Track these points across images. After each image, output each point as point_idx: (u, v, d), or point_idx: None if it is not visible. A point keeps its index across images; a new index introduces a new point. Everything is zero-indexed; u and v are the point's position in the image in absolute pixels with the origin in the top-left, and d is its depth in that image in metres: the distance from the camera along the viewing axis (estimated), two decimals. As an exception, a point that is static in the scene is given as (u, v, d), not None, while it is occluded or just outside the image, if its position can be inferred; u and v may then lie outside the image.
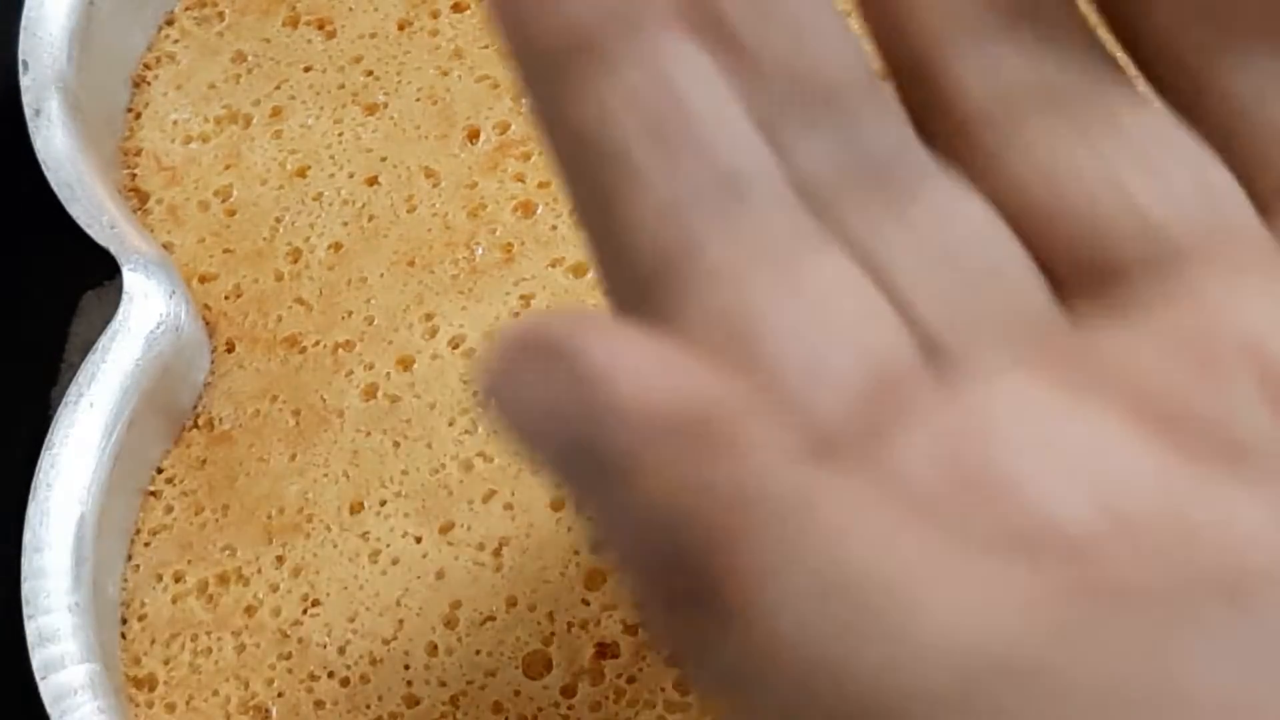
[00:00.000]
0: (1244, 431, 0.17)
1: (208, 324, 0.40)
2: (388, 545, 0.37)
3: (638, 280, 0.17)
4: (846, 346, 0.17)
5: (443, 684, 0.35)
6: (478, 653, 0.35)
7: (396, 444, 0.38)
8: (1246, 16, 0.19)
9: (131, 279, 0.38)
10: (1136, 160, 0.18)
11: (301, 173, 0.42)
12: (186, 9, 0.45)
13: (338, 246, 0.41)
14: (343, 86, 0.43)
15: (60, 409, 0.37)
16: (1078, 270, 0.18)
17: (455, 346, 0.39)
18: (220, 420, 0.39)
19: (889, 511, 0.15)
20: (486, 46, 0.43)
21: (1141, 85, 0.19)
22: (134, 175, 0.43)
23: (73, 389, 0.37)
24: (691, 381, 0.15)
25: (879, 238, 0.18)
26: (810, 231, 0.18)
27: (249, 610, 0.37)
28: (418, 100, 0.43)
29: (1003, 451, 0.16)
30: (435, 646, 0.36)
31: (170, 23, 0.45)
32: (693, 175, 0.17)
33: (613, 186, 0.17)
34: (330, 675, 0.36)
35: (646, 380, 0.15)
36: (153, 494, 0.38)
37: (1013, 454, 0.16)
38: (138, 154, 0.43)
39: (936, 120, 0.19)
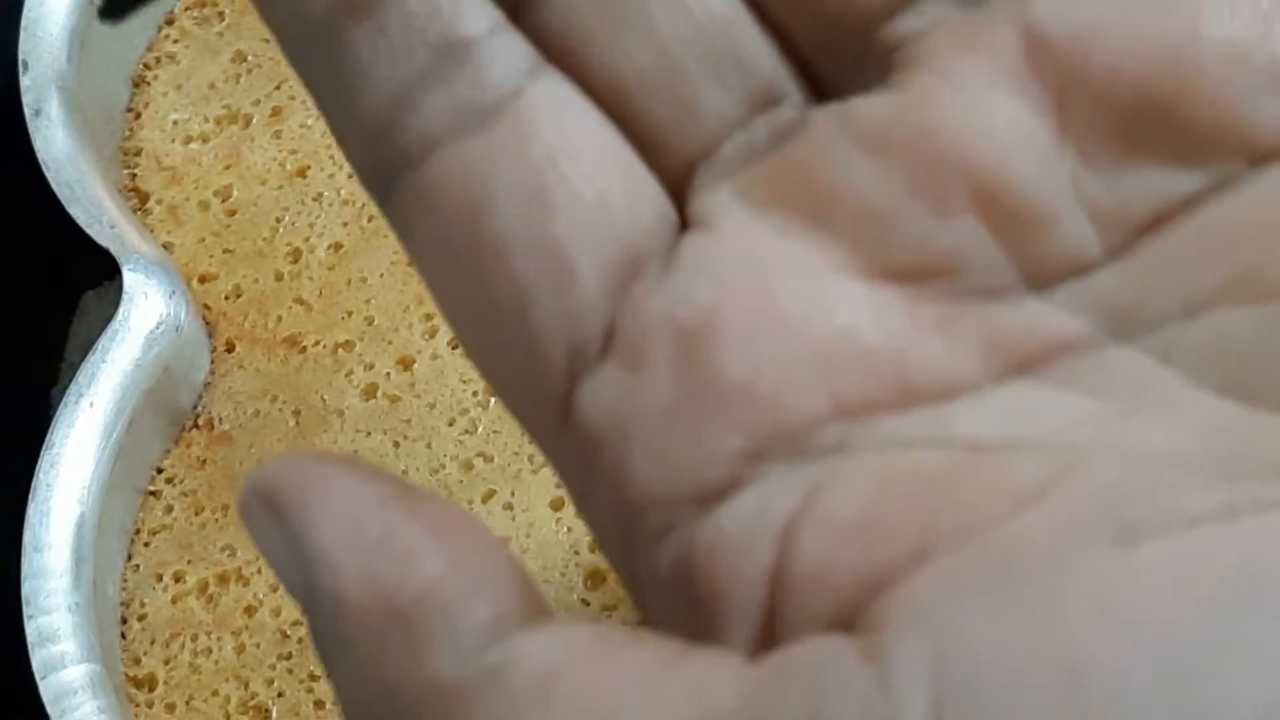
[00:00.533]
0: (956, 249, 0.17)
1: (208, 324, 0.40)
2: (388, 545, 0.37)
3: (379, 171, 0.18)
4: (585, 238, 0.17)
5: (443, 684, 0.35)
6: (478, 653, 0.35)
7: (396, 444, 0.38)
8: None
9: (131, 279, 0.38)
10: None
11: (301, 173, 0.42)
12: (186, 9, 0.45)
13: (338, 246, 0.41)
14: (343, 86, 0.43)
15: (60, 409, 0.37)
16: (808, 42, 0.18)
17: (455, 347, 0.38)
18: (220, 420, 0.39)
19: (586, 646, 0.16)
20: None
21: None
22: (134, 175, 0.43)
23: (72, 389, 0.37)
24: (401, 564, 0.16)
25: (607, 40, 0.18)
26: (524, 65, 0.18)
27: (249, 610, 0.37)
28: (418, 100, 0.43)
29: (731, 348, 0.17)
30: (435, 646, 0.36)
31: (170, 22, 0.45)
32: (410, 52, 0.18)
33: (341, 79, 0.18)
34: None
35: (358, 562, 0.16)
36: (153, 494, 0.38)
37: (740, 347, 0.17)
38: (138, 154, 0.43)
39: None
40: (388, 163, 0.18)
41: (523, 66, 0.18)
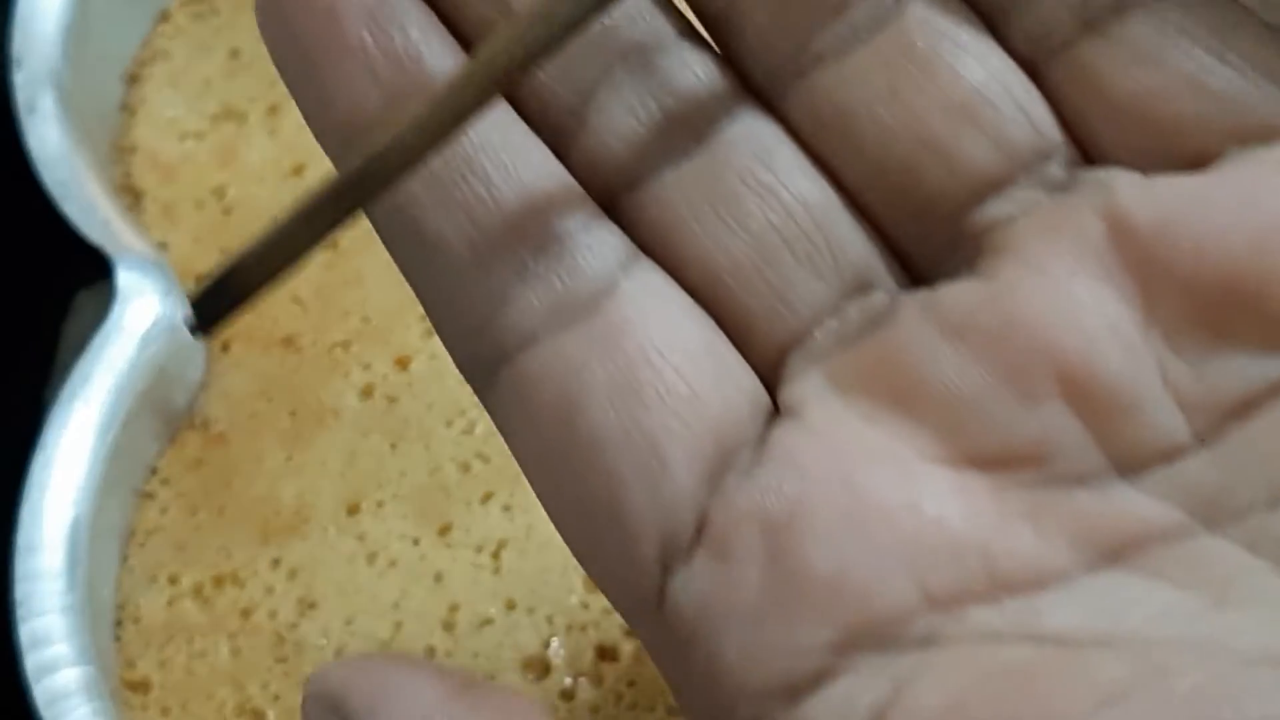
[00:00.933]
0: (1044, 437, 0.17)
1: (203, 323, 0.40)
2: (385, 547, 0.37)
3: (478, 364, 0.19)
4: (678, 431, 0.18)
5: (441, 687, 0.35)
6: (476, 655, 0.35)
7: (394, 445, 0.38)
8: None
9: (126, 278, 0.38)
10: (947, 108, 0.18)
11: (298, 171, 0.42)
12: (181, 4, 0.45)
13: (334, 245, 0.41)
14: (339, 83, 0.43)
15: (53, 409, 0.37)
16: (900, 227, 0.19)
17: (453, 346, 0.38)
18: (216, 421, 0.39)
19: None
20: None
21: None
22: (128, 173, 0.43)
23: (66, 389, 0.37)
24: None
25: (700, 230, 0.18)
26: (618, 257, 0.18)
27: (245, 613, 0.36)
28: (415, 97, 0.42)
29: (819, 541, 0.17)
30: (433, 649, 0.35)
31: (165, 18, 0.45)
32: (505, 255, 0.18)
33: (438, 280, 0.19)
34: (327, 678, 0.36)
35: None
36: (147, 495, 0.38)
37: (828, 541, 0.17)
38: (132, 151, 0.43)
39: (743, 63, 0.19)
40: (486, 357, 0.18)
41: (617, 259, 0.18)
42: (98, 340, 0.38)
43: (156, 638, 0.37)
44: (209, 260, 0.41)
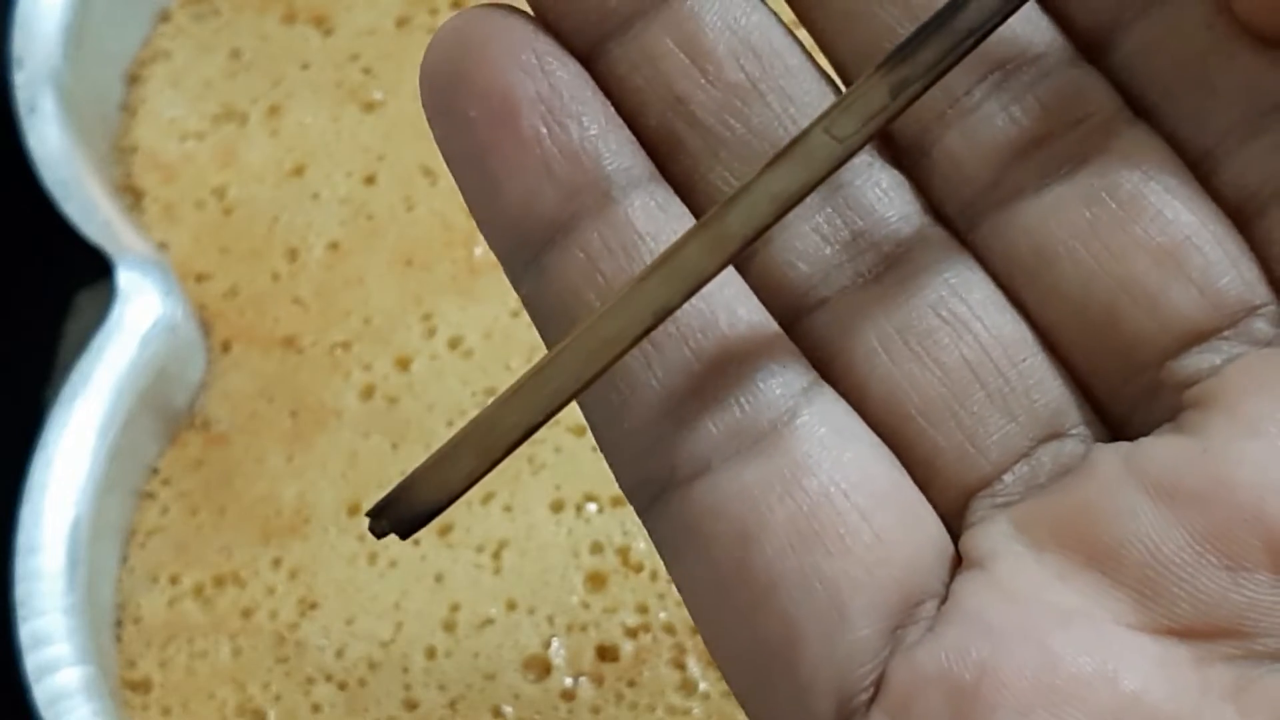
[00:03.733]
0: (1250, 609, 0.16)
1: (204, 324, 0.40)
2: (386, 547, 0.37)
3: (644, 485, 0.18)
4: (861, 579, 0.17)
5: (441, 687, 0.35)
6: (477, 655, 0.35)
7: (395, 445, 0.38)
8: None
9: (126, 278, 0.38)
10: (1153, 252, 0.17)
11: (298, 171, 0.42)
12: (182, 4, 0.45)
13: (335, 246, 0.41)
14: (340, 84, 0.43)
15: (54, 409, 0.37)
16: (1095, 372, 0.18)
17: (454, 347, 0.38)
18: (216, 421, 0.39)
19: None
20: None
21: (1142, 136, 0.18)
22: (128, 173, 0.43)
23: (66, 389, 0.37)
24: None
25: (889, 362, 0.18)
26: (801, 384, 0.17)
27: (246, 613, 0.36)
28: (416, 98, 0.42)
29: (1007, 715, 0.16)
30: (434, 649, 0.35)
31: (166, 19, 0.45)
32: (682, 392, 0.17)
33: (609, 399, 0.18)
34: (328, 678, 0.35)
35: None
36: (148, 495, 0.38)
37: (1017, 715, 0.16)
38: (133, 151, 0.43)
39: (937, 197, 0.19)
40: (654, 479, 0.18)
41: (798, 386, 0.18)
42: (98, 340, 0.37)
43: (157, 638, 0.36)
44: (209, 260, 0.41)
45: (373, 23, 0.44)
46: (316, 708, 0.35)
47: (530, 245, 0.18)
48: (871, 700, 0.17)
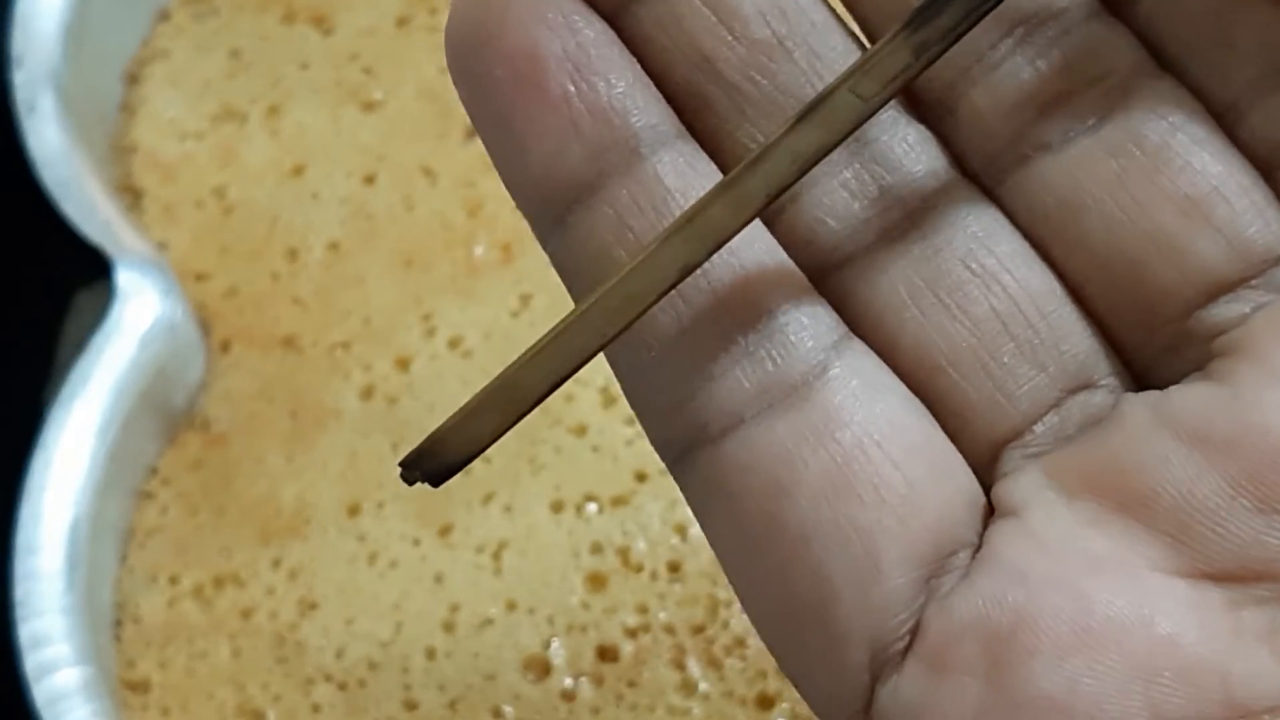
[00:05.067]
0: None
1: (203, 324, 0.40)
2: (385, 548, 0.37)
3: (675, 441, 0.18)
4: (894, 530, 0.17)
5: (441, 688, 0.35)
6: (477, 656, 0.35)
7: (395, 445, 0.38)
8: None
9: (125, 278, 0.38)
10: (1179, 203, 0.17)
11: (298, 171, 0.42)
12: (181, 4, 0.45)
13: (335, 246, 0.41)
14: (339, 84, 0.43)
15: (53, 409, 0.37)
16: (1122, 323, 0.18)
17: (454, 347, 0.38)
18: (216, 421, 0.39)
19: None
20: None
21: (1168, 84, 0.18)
22: (128, 173, 0.42)
23: (65, 389, 0.37)
24: None
25: (919, 315, 0.18)
26: (832, 337, 0.17)
27: (245, 613, 0.36)
28: (416, 98, 0.42)
29: (1045, 658, 0.16)
30: (434, 650, 0.35)
31: (165, 18, 0.45)
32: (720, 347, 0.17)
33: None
34: (328, 679, 0.35)
35: None
36: (147, 495, 0.38)
37: (1055, 657, 0.16)
38: (132, 151, 0.43)
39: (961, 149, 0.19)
40: (685, 435, 0.18)
41: (829, 340, 0.18)
42: (97, 340, 0.37)
43: (156, 638, 0.36)
44: (208, 260, 0.41)
45: (372, 22, 0.44)
46: (316, 708, 0.35)
47: (558, 204, 0.18)
48: (907, 649, 0.17)
